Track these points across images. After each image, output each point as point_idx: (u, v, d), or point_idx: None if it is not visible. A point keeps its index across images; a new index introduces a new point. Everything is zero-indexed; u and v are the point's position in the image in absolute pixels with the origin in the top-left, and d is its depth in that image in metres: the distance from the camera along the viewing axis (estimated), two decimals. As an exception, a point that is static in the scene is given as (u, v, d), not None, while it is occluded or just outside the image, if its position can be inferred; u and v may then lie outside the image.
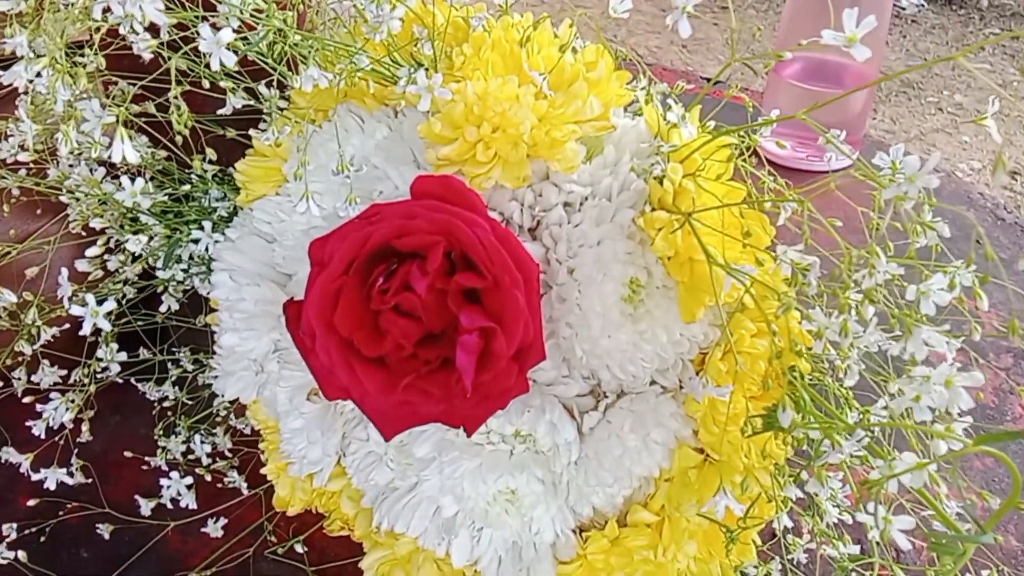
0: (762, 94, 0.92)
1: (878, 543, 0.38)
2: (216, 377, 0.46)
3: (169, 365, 0.54)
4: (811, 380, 0.38)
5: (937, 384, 0.30)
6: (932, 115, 2.58)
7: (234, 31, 0.35)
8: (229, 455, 0.52)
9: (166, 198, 0.44)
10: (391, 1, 0.34)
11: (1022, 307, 0.66)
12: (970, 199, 0.81)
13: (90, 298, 0.39)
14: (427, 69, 0.38)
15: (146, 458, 0.52)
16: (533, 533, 0.41)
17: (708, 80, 0.98)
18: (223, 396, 0.44)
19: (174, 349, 0.55)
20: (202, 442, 0.51)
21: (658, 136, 0.38)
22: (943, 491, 0.32)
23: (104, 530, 0.48)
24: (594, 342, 0.37)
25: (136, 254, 0.45)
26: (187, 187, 0.45)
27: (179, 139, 0.37)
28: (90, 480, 0.50)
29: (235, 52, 0.34)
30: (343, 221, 0.36)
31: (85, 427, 0.49)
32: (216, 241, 0.45)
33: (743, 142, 0.43)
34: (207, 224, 0.45)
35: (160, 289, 0.49)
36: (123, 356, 0.47)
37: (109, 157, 0.32)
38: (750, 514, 0.39)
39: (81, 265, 0.45)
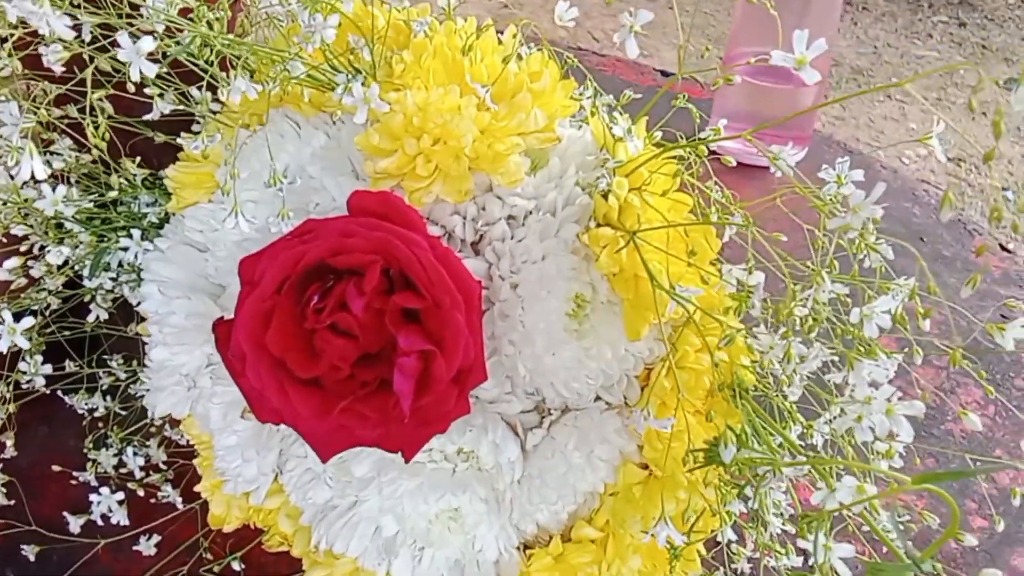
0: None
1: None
2: (147, 391, 0.44)
3: (100, 374, 0.52)
4: (755, 393, 0.38)
5: (877, 412, 0.29)
6: (881, 102, 2.62)
7: (159, 36, 0.33)
8: (163, 468, 0.50)
9: (92, 204, 0.42)
10: (324, 9, 0.32)
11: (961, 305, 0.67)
12: (915, 196, 0.82)
13: (6, 315, 0.37)
14: (365, 77, 0.36)
15: (75, 473, 0.50)
16: (476, 551, 0.40)
17: (662, 73, 0.98)
18: (154, 412, 0.43)
19: (105, 357, 0.53)
20: (135, 455, 0.50)
21: (604, 148, 0.37)
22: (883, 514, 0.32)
23: (29, 551, 0.46)
24: (538, 360, 0.36)
25: (60, 264, 0.43)
26: (114, 193, 0.43)
27: (103, 144, 0.35)
28: (13, 502, 0.48)
29: (163, 56, 0.33)
30: (276, 236, 0.35)
31: (9, 442, 0.47)
32: (146, 250, 0.43)
33: (690, 155, 0.42)
34: (136, 232, 0.43)
35: (88, 298, 0.47)
36: (48, 369, 0.45)
37: (16, 173, 0.30)
38: (694, 528, 0.39)
39: (1, 274, 0.43)
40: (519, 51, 0.39)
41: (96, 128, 0.32)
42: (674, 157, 0.37)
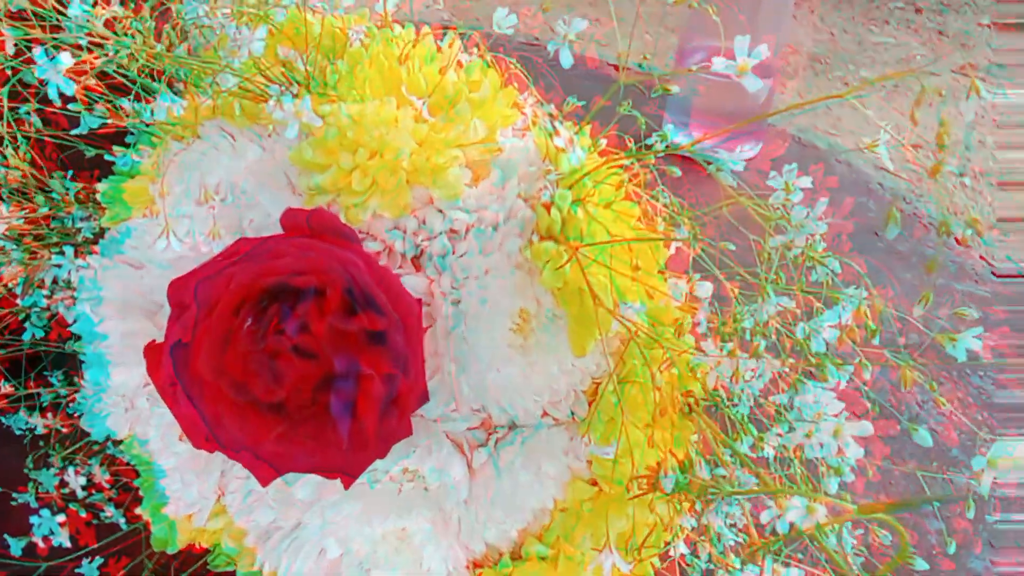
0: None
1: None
2: (84, 412, 0.42)
3: (41, 391, 0.51)
4: (705, 403, 0.38)
5: (826, 433, 0.29)
6: (838, 90, 2.64)
7: (84, 48, 0.32)
8: (107, 486, 0.49)
9: (21, 220, 0.41)
10: (252, 21, 0.31)
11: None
12: (870, 189, 0.82)
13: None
14: (298, 89, 0.35)
15: (15, 494, 0.48)
16: (424, 571, 0.39)
17: (613, 66, 0.97)
18: (91, 434, 0.41)
19: (46, 373, 0.51)
20: (77, 474, 0.48)
21: (546, 159, 0.36)
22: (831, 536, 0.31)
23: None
24: (482, 377, 0.36)
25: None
26: (45, 210, 0.41)
27: (25, 165, 0.34)
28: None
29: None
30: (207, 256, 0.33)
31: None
32: (79, 267, 0.41)
33: (636, 161, 0.42)
34: (69, 249, 0.41)
35: (22, 316, 0.45)
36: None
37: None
38: (646, 543, 0.39)
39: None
40: (460, 57, 0.38)
41: (16, 148, 0.30)
42: (620, 166, 0.36)
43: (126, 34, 0.32)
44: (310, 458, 0.32)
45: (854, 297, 0.36)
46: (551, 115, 0.37)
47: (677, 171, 0.38)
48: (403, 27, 0.38)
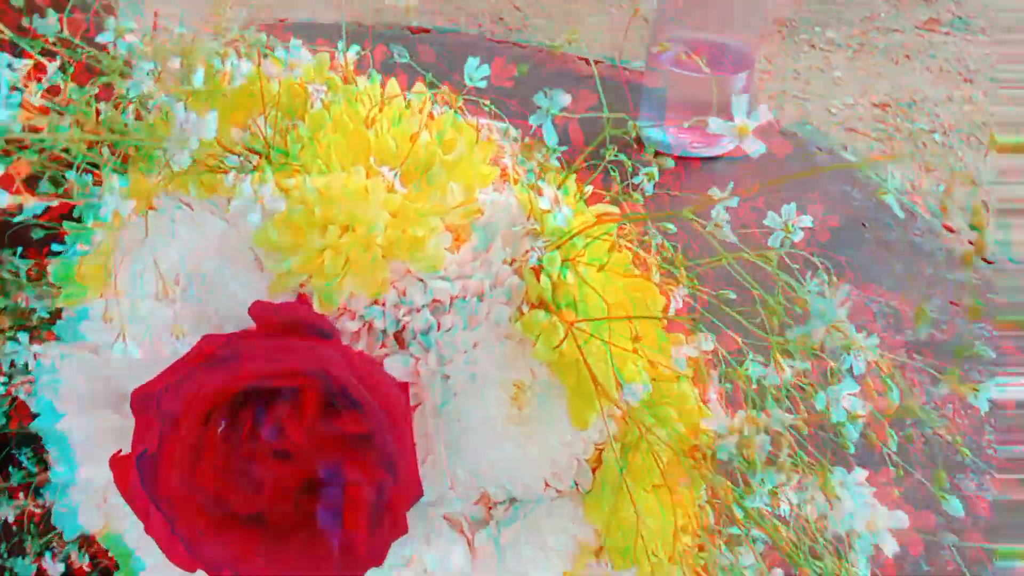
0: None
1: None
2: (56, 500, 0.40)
3: (9, 476, 0.48)
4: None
5: (858, 523, 0.27)
6: (805, 53, 2.62)
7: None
8: (88, 570, 0.46)
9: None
10: (197, 104, 0.28)
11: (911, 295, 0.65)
12: (854, 178, 0.80)
13: None
14: (258, 162, 0.32)
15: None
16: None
17: (588, 63, 0.94)
18: (64, 534, 0.39)
19: (13, 452, 0.48)
20: (54, 560, 0.45)
21: (531, 217, 0.34)
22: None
23: None
24: (477, 458, 0.33)
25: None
26: (-9, 295, 0.38)
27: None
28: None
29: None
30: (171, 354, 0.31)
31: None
32: (35, 354, 0.38)
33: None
34: (23, 335, 0.38)
35: (-23, 406, 0.42)
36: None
37: None
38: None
39: None
40: (430, 108, 0.35)
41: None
42: (613, 222, 0.33)
43: (65, 109, 0.29)
44: (299, 573, 0.30)
45: (868, 346, 0.34)
46: (532, 169, 0.34)
47: (671, 162, 0.35)
48: (368, 78, 0.35)
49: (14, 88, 0.29)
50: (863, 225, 0.75)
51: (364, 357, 0.30)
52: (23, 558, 0.46)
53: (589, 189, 0.37)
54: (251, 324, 0.32)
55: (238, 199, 0.29)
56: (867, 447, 0.34)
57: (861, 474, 0.31)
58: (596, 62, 0.92)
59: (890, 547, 0.26)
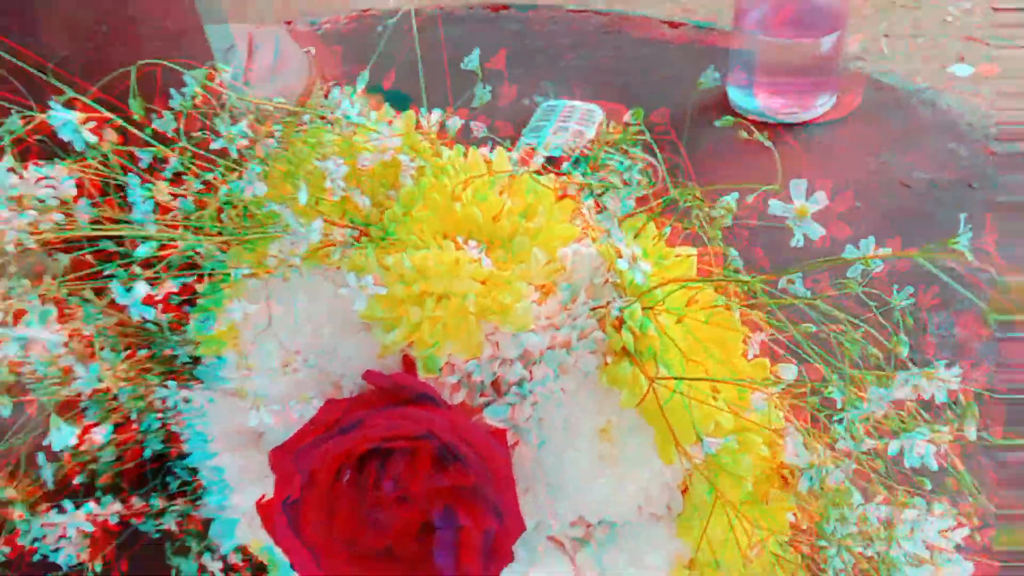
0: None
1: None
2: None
3: (169, 479, 0.55)
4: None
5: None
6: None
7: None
8: (242, 565, 0.53)
9: (125, 364, 0.43)
10: (307, 217, 0.32)
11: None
12: (959, 134, 0.78)
13: (68, 506, 0.39)
14: (360, 235, 0.36)
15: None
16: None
17: (697, 26, 0.92)
18: (221, 547, 0.45)
19: (169, 463, 0.55)
20: (213, 559, 0.52)
21: (611, 269, 0.36)
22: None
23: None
24: (573, 495, 0.37)
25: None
26: (143, 351, 0.44)
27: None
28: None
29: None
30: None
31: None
32: (184, 399, 0.44)
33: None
34: (171, 383, 0.44)
35: (140, 436, 0.48)
36: (119, 507, 0.47)
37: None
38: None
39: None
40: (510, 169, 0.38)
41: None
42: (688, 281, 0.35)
43: (189, 224, 0.33)
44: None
45: (949, 377, 0.35)
46: (609, 226, 0.36)
47: (766, 140, 0.36)
48: (451, 148, 0.38)
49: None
50: (970, 186, 0.73)
51: (465, 418, 0.33)
52: (186, 557, 0.53)
53: (667, 231, 0.38)
54: (364, 382, 0.36)
55: (344, 288, 0.32)
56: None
57: (938, 509, 0.33)
58: (681, 24, 0.91)
59: None
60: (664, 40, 0.90)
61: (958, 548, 0.32)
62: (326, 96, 0.38)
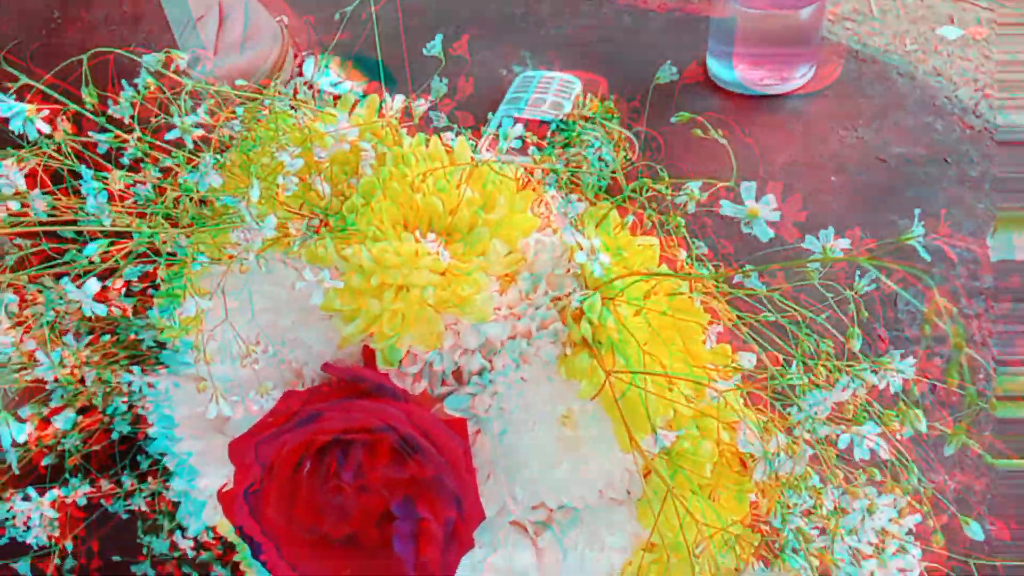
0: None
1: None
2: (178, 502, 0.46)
3: (140, 458, 0.55)
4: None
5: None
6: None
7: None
8: (213, 542, 0.54)
9: (88, 350, 0.43)
10: (265, 205, 0.31)
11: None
12: (935, 107, 0.77)
13: (32, 493, 0.39)
14: (320, 224, 0.35)
15: (132, 565, 0.53)
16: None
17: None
18: (189, 529, 0.45)
19: (140, 443, 0.55)
20: (184, 536, 0.53)
21: (573, 260, 0.36)
22: None
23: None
24: (533, 481, 0.37)
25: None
26: (107, 337, 0.44)
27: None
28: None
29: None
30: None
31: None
32: (149, 384, 0.44)
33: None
34: (136, 368, 0.44)
35: (106, 420, 0.48)
36: (87, 488, 0.48)
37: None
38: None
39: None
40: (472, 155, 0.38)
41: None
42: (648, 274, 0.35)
43: (145, 216, 0.33)
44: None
45: (900, 367, 0.35)
46: (564, 225, 0.36)
47: (720, 138, 0.36)
48: (413, 136, 0.38)
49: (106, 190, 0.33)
50: (945, 160, 0.73)
51: (423, 410, 0.33)
52: (157, 536, 0.53)
53: (630, 219, 0.38)
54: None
55: (301, 283, 0.32)
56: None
57: (887, 499, 0.33)
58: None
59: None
60: (645, 9, 0.89)
61: (909, 534, 0.32)
62: (299, 67, 0.37)
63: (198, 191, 0.33)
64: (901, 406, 0.35)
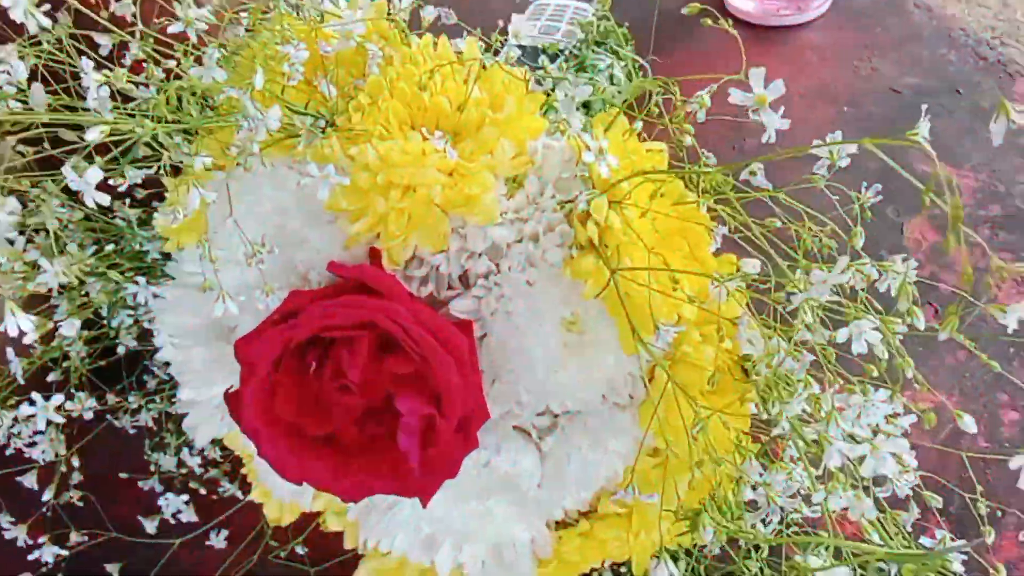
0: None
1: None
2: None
3: (146, 378, 0.55)
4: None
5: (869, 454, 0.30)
6: None
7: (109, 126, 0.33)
8: (220, 460, 0.54)
9: (94, 259, 0.43)
10: (264, 99, 0.31)
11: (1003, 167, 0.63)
12: (951, 39, 0.76)
13: (38, 398, 0.39)
14: (326, 126, 0.35)
15: (141, 478, 0.54)
16: (510, 540, 0.43)
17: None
18: (196, 441, 0.45)
19: (145, 363, 0.55)
20: (192, 454, 0.53)
21: (580, 162, 0.36)
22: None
23: (113, 569, 0.51)
24: (540, 383, 0.37)
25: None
26: (111, 247, 0.43)
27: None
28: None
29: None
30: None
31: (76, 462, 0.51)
32: (154, 295, 0.44)
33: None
34: (141, 279, 0.44)
35: (112, 335, 0.49)
36: (93, 403, 0.48)
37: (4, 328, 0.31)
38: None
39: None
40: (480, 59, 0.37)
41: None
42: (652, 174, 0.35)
43: (145, 111, 0.32)
44: (388, 483, 0.35)
45: (900, 272, 0.35)
46: (568, 115, 0.35)
47: (731, 28, 0.35)
48: (419, 37, 0.37)
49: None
50: (957, 92, 0.72)
51: (416, 308, 0.33)
52: (164, 453, 0.54)
53: (638, 126, 0.38)
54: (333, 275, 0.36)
55: (306, 179, 0.32)
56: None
57: (883, 394, 0.33)
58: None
59: (889, 467, 0.29)
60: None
61: (904, 434, 0.32)
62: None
63: (202, 86, 0.33)
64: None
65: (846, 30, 0.79)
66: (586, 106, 0.55)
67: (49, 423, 0.42)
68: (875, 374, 0.34)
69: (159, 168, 0.36)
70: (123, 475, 0.54)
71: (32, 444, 0.49)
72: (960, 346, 0.58)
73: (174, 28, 0.33)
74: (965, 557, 0.29)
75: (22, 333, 0.32)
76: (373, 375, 0.34)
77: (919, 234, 0.64)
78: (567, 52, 0.65)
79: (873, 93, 0.73)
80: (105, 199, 0.30)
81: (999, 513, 0.50)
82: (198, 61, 0.33)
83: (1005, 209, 0.65)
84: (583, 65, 0.64)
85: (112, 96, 0.33)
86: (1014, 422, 0.55)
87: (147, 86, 0.37)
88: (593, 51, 0.66)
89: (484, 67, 0.37)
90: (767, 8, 0.80)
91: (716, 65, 0.38)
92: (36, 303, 0.46)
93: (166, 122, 0.32)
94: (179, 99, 0.34)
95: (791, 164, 0.41)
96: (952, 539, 0.34)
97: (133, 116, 0.33)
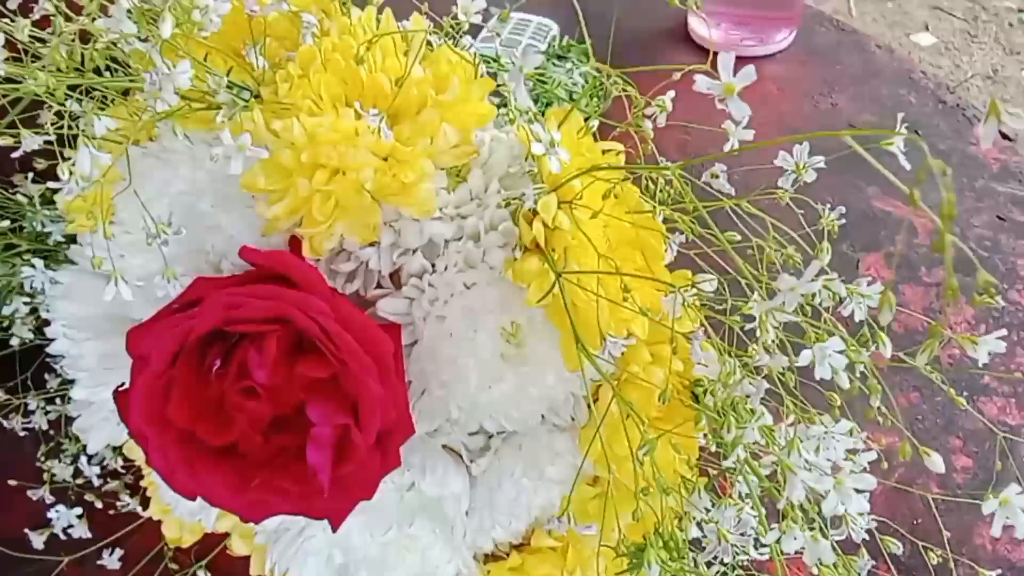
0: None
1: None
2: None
3: (47, 376, 0.50)
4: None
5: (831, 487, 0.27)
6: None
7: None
8: (122, 472, 0.49)
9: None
10: (173, 57, 0.27)
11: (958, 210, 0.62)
12: (911, 80, 0.76)
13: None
14: (248, 98, 0.31)
15: (31, 487, 0.48)
16: (434, 568, 0.39)
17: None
18: (89, 446, 0.41)
19: (48, 360, 0.50)
20: (90, 463, 0.48)
21: (529, 157, 0.33)
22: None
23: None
24: (472, 398, 0.34)
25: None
26: (6, 223, 0.39)
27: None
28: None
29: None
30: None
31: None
32: (52, 281, 0.39)
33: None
34: (38, 261, 0.39)
35: (6, 324, 0.44)
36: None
37: None
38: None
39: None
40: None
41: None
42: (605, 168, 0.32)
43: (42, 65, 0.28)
44: (294, 504, 0.31)
45: (869, 294, 0.32)
46: (531, 113, 0.32)
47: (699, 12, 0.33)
48: (361, 9, 0.34)
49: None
50: (916, 133, 0.71)
51: (338, 304, 0.30)
52: (59, 460, 0.49)
53: (594, 124, 0.35)
54: (248, 265, 0.32)
55: (218, 147, 0.28)
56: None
57: (844, 426, 0.31)
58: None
59: (855, 505, 0.26)
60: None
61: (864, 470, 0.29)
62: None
63: (107, 40, 0.29)
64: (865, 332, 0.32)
65: (808, 65, 0.78)
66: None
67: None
68: (837, 403, 0.31)
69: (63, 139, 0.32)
70: (12, 482, 0.49)
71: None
72: (913, 387, 0.57)
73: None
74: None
75: None
76: (284, 378, 0.30)
77: (874, 271, 0.62)
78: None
79: (832, 128, 0.72)
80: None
81: (951, 564, 0.48)
82: (105, 13, 0.30)
83: (959, 251, 0.63)
84: (543, 78, 0.61)
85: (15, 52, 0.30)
86: (967, 468, 0.52)
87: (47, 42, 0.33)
88: (554, 64, 0.64)
89: (431, 46, 0.34)
90: (730, 38, 0.78)
91: (678, 90, 0.36)
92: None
93: (63, 76, 0.29)
94: (83, 57, 0.30)
95: (753, 182, 0.39)
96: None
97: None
